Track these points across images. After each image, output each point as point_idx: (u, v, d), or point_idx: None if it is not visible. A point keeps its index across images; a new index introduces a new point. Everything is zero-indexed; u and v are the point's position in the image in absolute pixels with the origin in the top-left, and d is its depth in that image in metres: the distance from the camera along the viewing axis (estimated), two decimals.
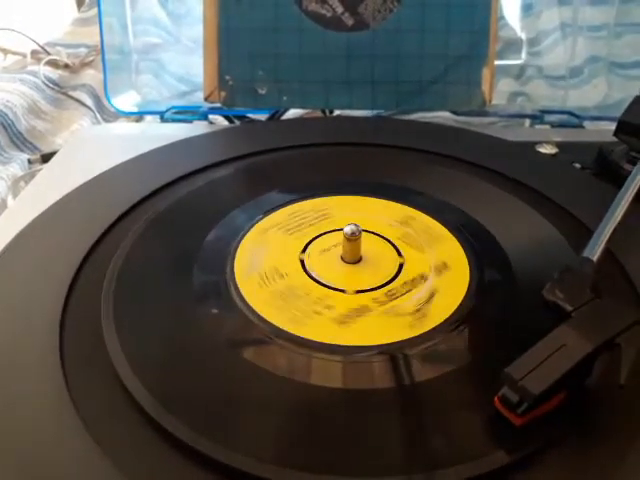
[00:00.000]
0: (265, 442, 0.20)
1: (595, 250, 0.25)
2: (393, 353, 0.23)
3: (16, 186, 0.46)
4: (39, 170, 0.46)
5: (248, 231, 0.29)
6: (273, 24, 0.43)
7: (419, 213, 0.31)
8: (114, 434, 0.20)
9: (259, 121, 0.46)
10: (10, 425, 0.21)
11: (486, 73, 0.43)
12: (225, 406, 0.21)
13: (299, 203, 0.32)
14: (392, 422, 0.21)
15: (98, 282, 0.26)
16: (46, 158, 0.48)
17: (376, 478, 0.19)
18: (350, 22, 0.43)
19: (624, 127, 0.34)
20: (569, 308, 0.22)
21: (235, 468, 0.19)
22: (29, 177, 0.46)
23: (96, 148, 0.41)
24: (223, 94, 0.44)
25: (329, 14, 0.43)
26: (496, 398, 0.21)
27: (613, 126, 0.35)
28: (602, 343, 0.20)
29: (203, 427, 0.20)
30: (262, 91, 0.44)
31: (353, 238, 0.26)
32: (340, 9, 0.43)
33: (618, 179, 0.32)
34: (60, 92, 0.57)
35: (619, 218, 0.27)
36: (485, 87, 0.43)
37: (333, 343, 0.23)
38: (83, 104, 0.55)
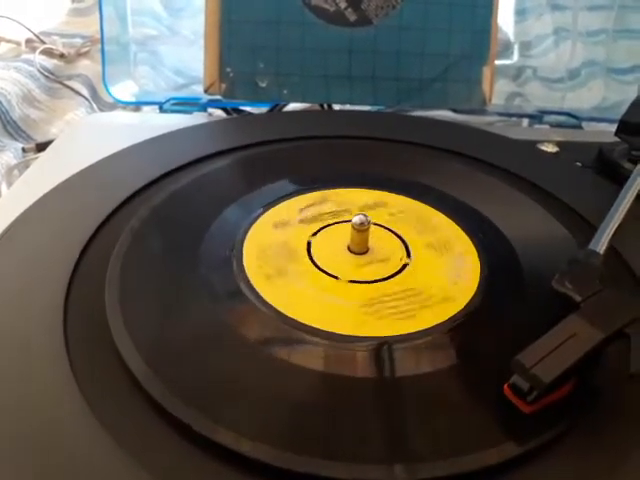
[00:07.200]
0: (279, 432, 0.20)
1: (601, 243, 0.25)
2: (401, 345, 0.23)
3: (10, 174, 0.45)
4: (33, 159, 0.45)
5: (257, 219, 0.29)
6: (275, 17, 0.43)
7: (428, 207, 0.31)
8: (118, 416, 0.20)
9: (259, 113, 0.46)
10: (13, 406, 0.20)
11: (487, 72, 0.43)
12: (229, 391, 0.21)
13: (303, 195, 0.31)
14: (400, 413, 0.21)
15: (100, 271, 0.26)
16: (41, 147, 0.47)
17: (383, 465, 0.19)
18: (353, 17, 0.43)
19: (625, 127, 0.34)
20: (578, 298, 0.22)
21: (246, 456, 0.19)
22: (23, 166, 0.46)
23: (94, 136, 0.40)
24: (223, 86, 0.44)
25: (332, 9, 0.43)
26: (506, 386, 0.21)
27: (611, 127, 0.35)
28: (612, 333, 0.21)
29: (205, 409, 0.20)
30: (263, 84, 0.44)
31: (362, 228, 0.26)
32: (343, 4, 0.43)
33: (619, 178, 0.32)
34: (55, 81, 0.56)
35: (623, 214, 0.28)
36: (485, 86, 0.43)
37: (339, 332, 0.23)
38: (78, 93, 0.55)
